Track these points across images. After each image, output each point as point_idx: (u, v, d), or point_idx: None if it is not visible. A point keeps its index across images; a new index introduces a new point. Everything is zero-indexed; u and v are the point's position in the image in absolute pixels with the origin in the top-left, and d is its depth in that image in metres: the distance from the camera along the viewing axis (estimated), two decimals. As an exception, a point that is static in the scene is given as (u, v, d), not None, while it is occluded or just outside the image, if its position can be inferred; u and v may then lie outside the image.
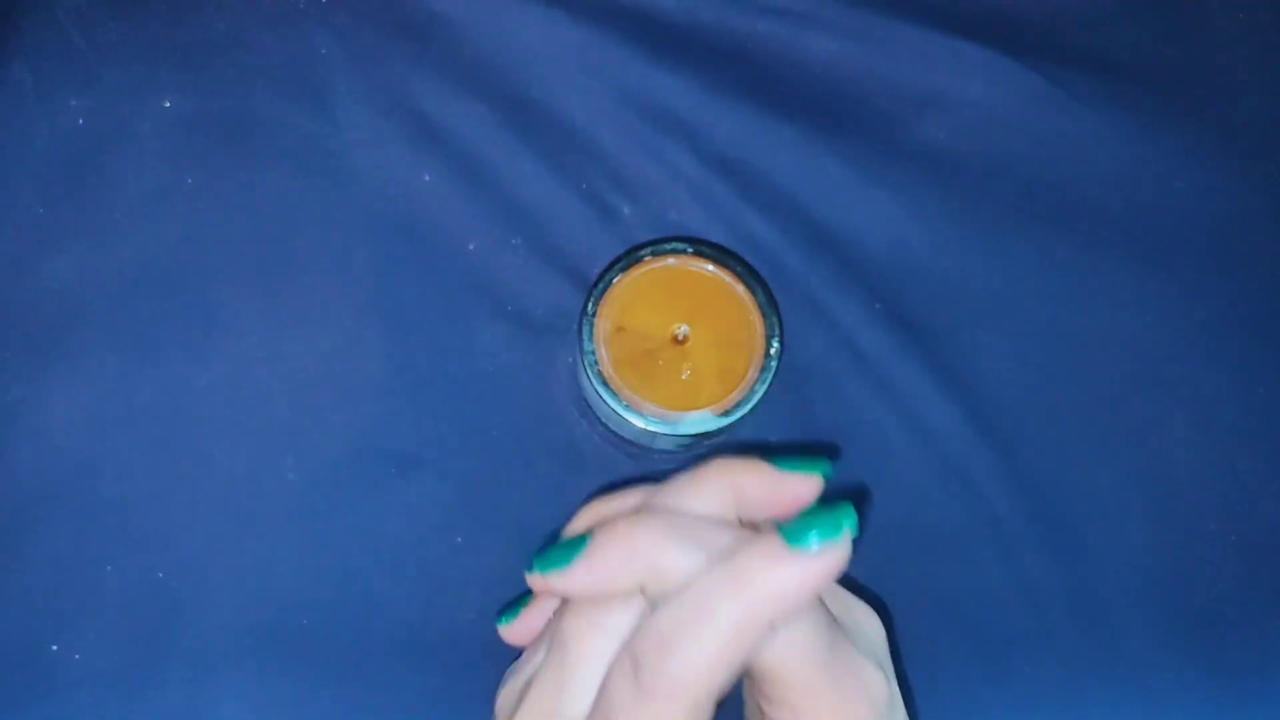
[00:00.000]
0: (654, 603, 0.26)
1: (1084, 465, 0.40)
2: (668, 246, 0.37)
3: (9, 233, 0.40)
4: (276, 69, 0.42)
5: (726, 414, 0.35)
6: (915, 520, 0.40)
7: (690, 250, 0.37)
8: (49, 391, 0.39)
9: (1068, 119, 0.43)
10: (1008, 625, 0.39)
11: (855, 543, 0.36)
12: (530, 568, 0.28)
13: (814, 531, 0.24)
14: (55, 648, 0.37)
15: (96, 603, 0.38)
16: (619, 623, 0.26)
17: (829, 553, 0.24)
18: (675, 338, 0.36)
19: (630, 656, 0.25)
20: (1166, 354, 0.41)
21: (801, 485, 0.27)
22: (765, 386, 0.36)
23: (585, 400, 0.39)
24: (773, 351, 0.36)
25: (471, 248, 0.41)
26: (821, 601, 0.27)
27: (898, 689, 0.28)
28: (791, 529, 0.24)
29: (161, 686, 0.37)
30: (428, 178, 0.42)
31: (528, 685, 0.27)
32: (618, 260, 0.37)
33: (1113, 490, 0.40)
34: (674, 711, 0.24)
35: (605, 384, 0.36)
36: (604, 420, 0.39)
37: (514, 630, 0.31)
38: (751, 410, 0.36)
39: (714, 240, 0.41)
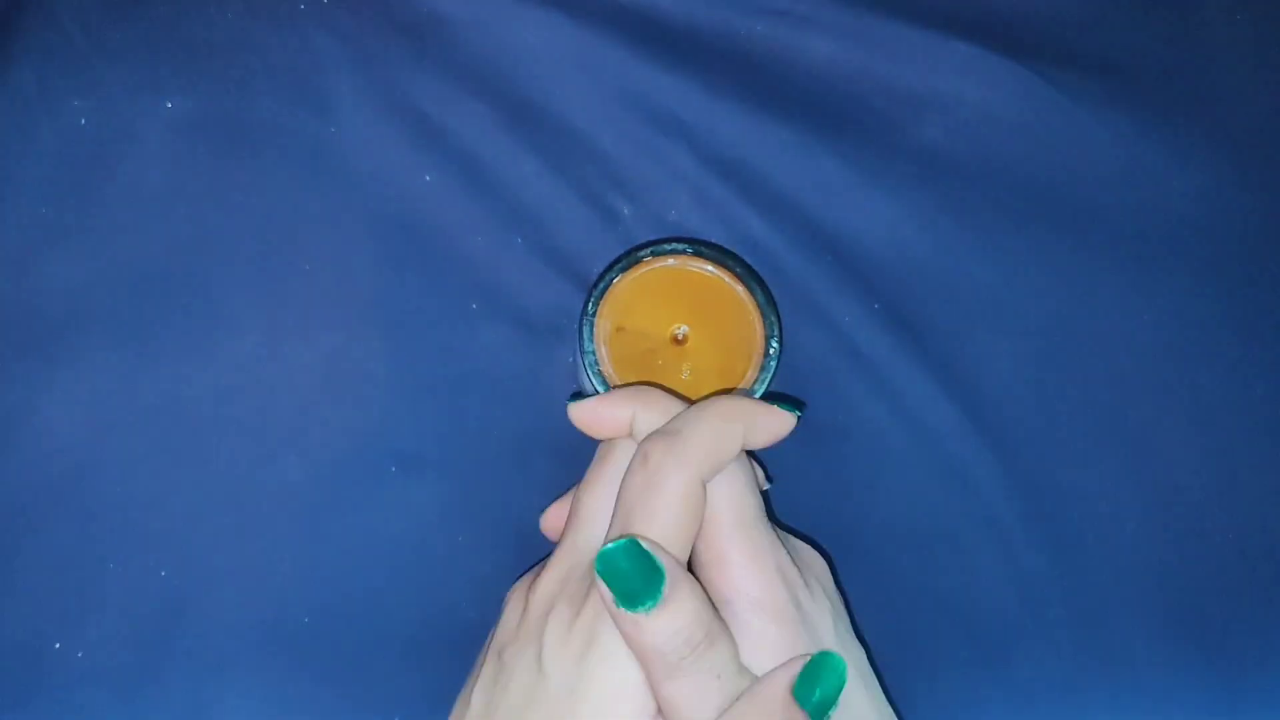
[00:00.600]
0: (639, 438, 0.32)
1: (1082, 464, 0.40)
2: (667, 247, 0.37)
3: (12, 233, 0.40)
4: (278, 70, 0.42)
5: None
6: (913, 519, 0.40)
7: (690, 250, 0.37)
8: (51, 391, 0.39)
9: (1065, 120, 0.43)
10: (1006, 623, 0.39)
11: (855, 540, 0.37)
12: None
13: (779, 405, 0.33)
14: (58, 645, 0.37)
15: (99, 601, 0.38)
16: (617, 471, 0.32)
17: (787, 417, 0.33)
18: (675, 338, 0.36)
19: (640, 454, 0.31)
20: (1163, 353, 0.41)
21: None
22: (764, 386, 0.36)
23: None
24: (772, 351, 0.36)
25: (472, 248, 0.41)
26: (761, 496, 0.32)
27: (841, 610, 0.33)
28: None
29: (163, 684, 0.37)
30: (428, 178, 0.42)
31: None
32: (618, 260, 0.37)
33: (1110, 489, 0.40)
34: (677, 490, 0.30)
35: (605, 384, 0.36)
36: None
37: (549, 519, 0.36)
38: None
39: (713, 240, 0.41)
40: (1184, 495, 0.40)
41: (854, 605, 0.34)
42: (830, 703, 0.29)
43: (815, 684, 0.29)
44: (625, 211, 0.42)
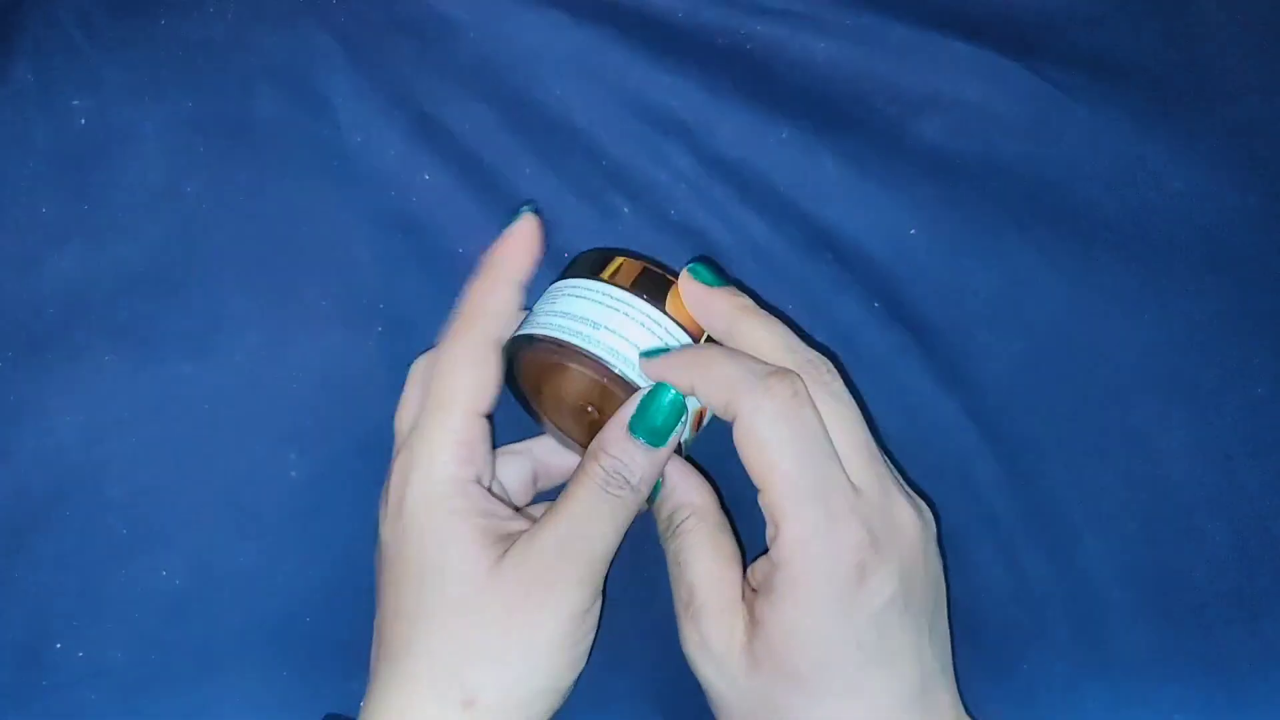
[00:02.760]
0: None
1: (1082, 464, 0.40)
2: (537, 331, 0.34)
3: (12, 233, 0.40)
4: (278, 70, 0.42)
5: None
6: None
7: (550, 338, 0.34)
8: (52, 391, 0.39)
9: (1065, 119, 0.43)
10: (1006, 623, 0.39)
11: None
12: None
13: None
14: (59, 645, 0.37)
15: (99, 600, 0.38)
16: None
17: (508, 237, 0.36)
18: (590, 417, 0.36)
19: (442, 332, 0.35)
20: (1163, 353, 0.41)
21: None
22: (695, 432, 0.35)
23: None
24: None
25: (472, 248, 0.41)
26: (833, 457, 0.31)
27: (925, 593, 0.32)
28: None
29: (164, 684, 0.37)
30: (428, 177, 0.42)
31: None
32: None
33: (1110, 489, 0.40)
34: (448, 420, 0.33)
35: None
36: None
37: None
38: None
39: (712, 237, 0.41)
40: (1182, 494, 0.40)
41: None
42: (663, 430, 0.33)
43: (644, 416, 0.33)
44: (625, 211, 0.42)
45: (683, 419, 0.33)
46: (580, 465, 0.33)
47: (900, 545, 0.31)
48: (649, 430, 0.33)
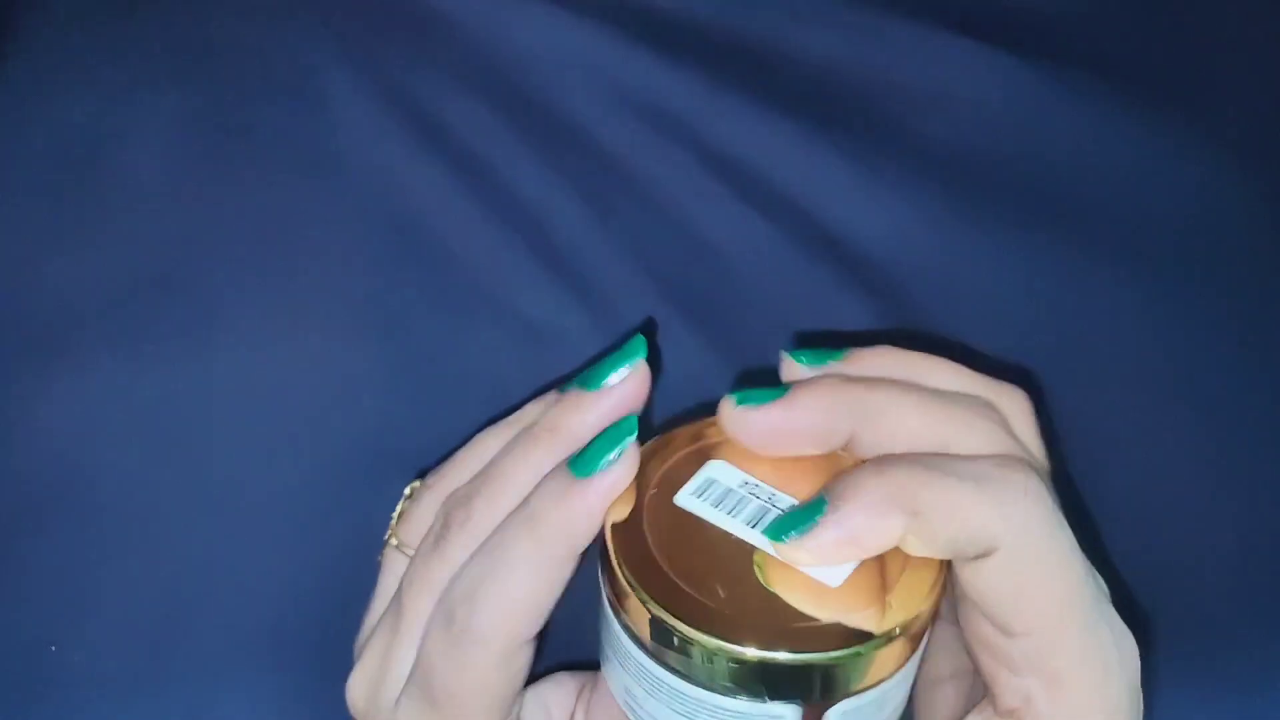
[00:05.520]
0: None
1: (1082, 465, 0.40)
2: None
3: (7, 233, 0.40)
4: (276, 68, 0.42)
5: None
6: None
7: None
8: (48, 392, 0.39)
9: (1069, 118, 0.43)
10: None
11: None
12: None
13: (597, 452, 0.24)
14: (54, 648, 0.37)
15: (96, 603, 0.38)
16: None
17: (612, 469, 0.24)
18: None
19: (443, 609, 0.26)
20: (1165, 354, 0.41)
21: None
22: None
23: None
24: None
25: (471, 247, 0.41)
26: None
27: None
28: (578, 458, 0.24)
29: (162, 687, 0.37)
30: (427, 177, 0.42)
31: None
32: None
33: (1110, 491, 0.40)
34: (486, 660, 0.25)
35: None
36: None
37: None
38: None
39: (712, 236, 0.41)
40: (1184, 495, 0.40)
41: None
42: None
43: None
44: (625, 210, 0.42)
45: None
46: None
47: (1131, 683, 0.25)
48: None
